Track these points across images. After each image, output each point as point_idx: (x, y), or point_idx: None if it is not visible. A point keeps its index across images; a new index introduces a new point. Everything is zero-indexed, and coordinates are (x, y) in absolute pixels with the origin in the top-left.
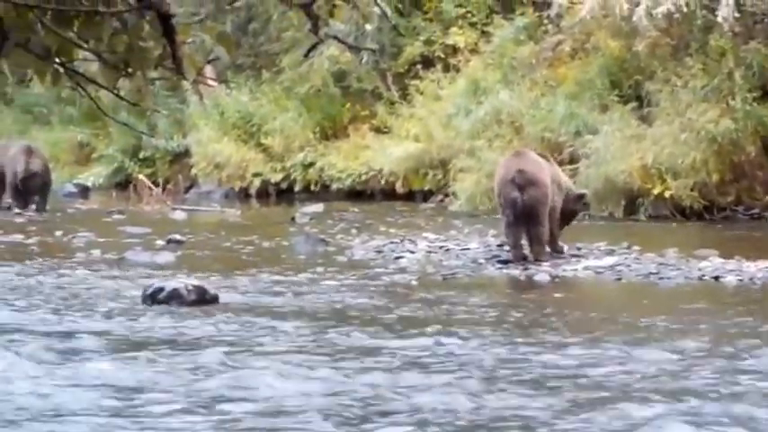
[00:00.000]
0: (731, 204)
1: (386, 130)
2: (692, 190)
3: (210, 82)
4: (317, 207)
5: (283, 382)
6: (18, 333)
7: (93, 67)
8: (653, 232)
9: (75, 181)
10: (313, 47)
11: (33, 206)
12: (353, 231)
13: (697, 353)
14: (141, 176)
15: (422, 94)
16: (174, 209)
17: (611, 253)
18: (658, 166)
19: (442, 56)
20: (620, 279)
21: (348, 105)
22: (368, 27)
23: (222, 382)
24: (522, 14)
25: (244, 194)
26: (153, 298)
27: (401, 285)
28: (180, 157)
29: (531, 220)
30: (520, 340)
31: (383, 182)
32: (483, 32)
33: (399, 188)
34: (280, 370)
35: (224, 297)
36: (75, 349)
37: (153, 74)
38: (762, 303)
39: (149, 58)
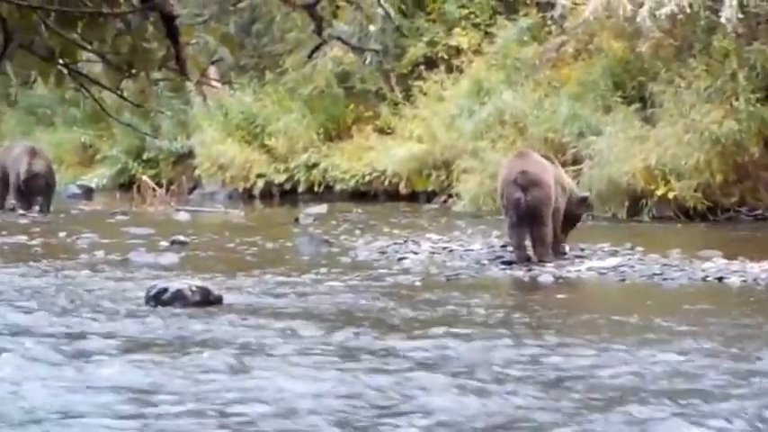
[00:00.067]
0: (735, 205)
1: (389, 130)
2: (695, 191)
3: (214, 83)
4: (321, 208)
5: (293, 383)
6: (23, 335)
7: (97, 69)
8: (656, 233)
9: (78, 182)
10: (317, 48)
11: (37, 207)
12: (357, 232)
13: (704, 354)
14: (145, 177)
15: (425, 94)
16: (178, 210)
17: (614, 254)
18: (662, 167)
19: (446, 57)
20: (623, 280)
21: (351, 106)
22: (371, 28)
23: (232, 384)
24: (526, 15)
25: (247, 195)
26: (157, 299)
27: (405, 286)
28: (183, 158)
29: (534, 221)
30: (526, 342)
31: (387, 183)
32: (486, 33)
33: (403, 189)
34: (289, 372)
35: (228, 298)
36: (82, 351)
37: (157, 75)
38: (766, 304)
39: (153, 60)
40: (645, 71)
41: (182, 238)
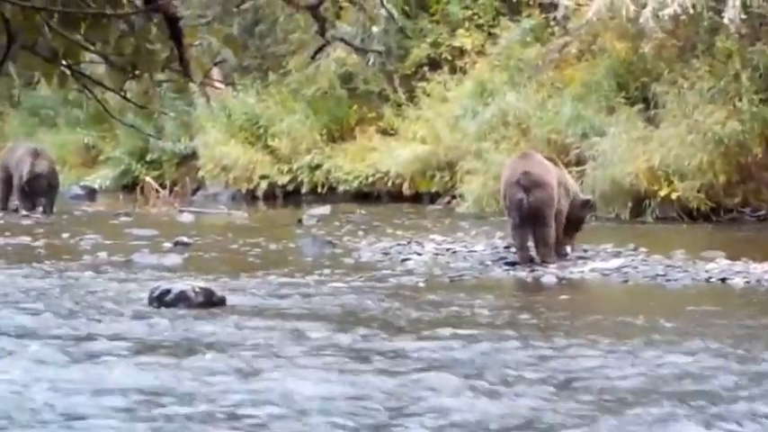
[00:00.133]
0: (738, 206)
1: (392, 132)
2: (698, 192)
3: (217, 84)
4: (324, 209)
5: (303, 385)
6: (28, 337)
7: (100, 70)
8: (660, 234)
9: (81, 183)
10: (320, 49)
11: (40, 208)
12: (360, 233)
13: (711, 355)
14: (148, 179)
15: (428, 95)
16: (181, 211)
17: (617, 255)
18: (665, 167)
19: (449, 58)
20: (626, 281)
21: (355, 107)
22: (374, 29)
23: (241, 385)
24: (529, 16)
25: (251, 196)
26: (160, 300)
27: (408, 287)
28: (187, 159)
29: (537, 222)
30: (533, 343)
31: (390, 184)
32: (489, 34)
33: (406, 190)
34: (297, 373)
35: (231, 299)
36: (88, 353)
37: (160, 76)
38: None
39: (156, 61)
40: (648, 72)
41: (185, 239)
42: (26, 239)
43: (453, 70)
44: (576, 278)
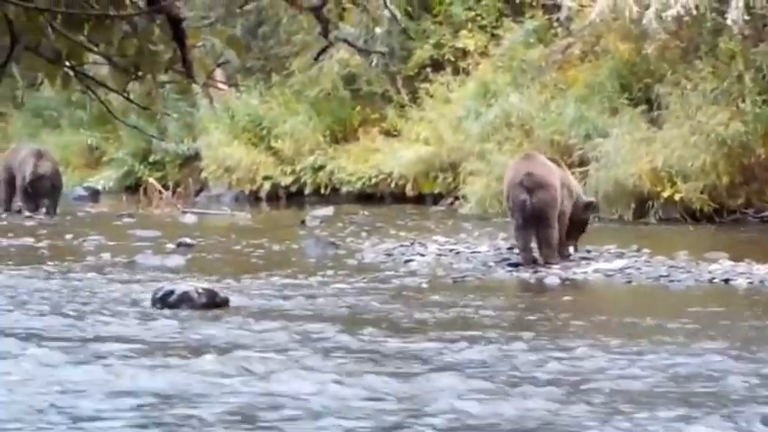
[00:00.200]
0: (741, 207)
1: (396, 133)
2: (701, 193)
3: (221, 85)
4: (327, 210)
5: (313, 386)
6: (33, 338)
7: (104, 71)
8: (663, 235)
9: (85, 184)
10: (323, 50)
11: (43, 209)
12: (363, 234)
13: (719, 356)
14: (151, 180)
15: (432, 97)
16: (184, 212)
17: (621, 256)
18: (668, 168)
19: (452, 59)
20: (630, 282)
21: (358, 108)
22: (377, 30)
23: (252, 387)
24: (532, 17)
25: (254, 198)
26: (163, 301)
27: (412, 288)
28: (190, 160)
29: (540, 223)
30: (540, 344)
31: (393, 185)
32: (493, 35)
33: (409, 191)
34: (307, 375)
35: (234, 300)
36: (94, 354)
37: (163, 77)
38: None
39: (159, 62)
40: (651, 73)
41: (188, 240)
42: (29, 240)
43: (456, 71)
44: (580, 279)
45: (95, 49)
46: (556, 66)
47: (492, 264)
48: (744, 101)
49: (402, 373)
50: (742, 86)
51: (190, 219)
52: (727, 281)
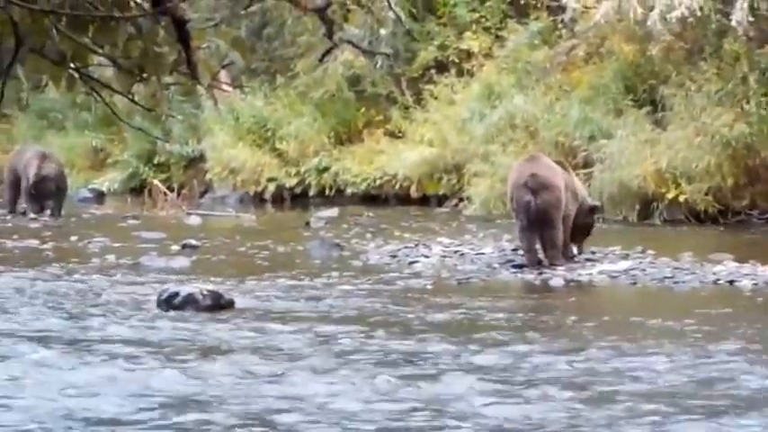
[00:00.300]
0: (746, 208)
1: (400, 134)
2: (706, 194)
3: (225, 87)
4: (332, 212)
5: (328, 388)
6: (40, 340)
7: (108, 73)
8: (667, 236)
9: (90, 186)
10: (327, 51)
11: (48, 211)
12: (368, 236)
13: (732, 358)
14: (156, 181)
15: (436, 98)
16: (189, 214)
17: (625, 257)
18: (673, 170)
19: (457, 60)
20: (635, 283)
21: (362, 110)
22: (382, 32)
23: (267, 390)
24: (537, 19)
25: (258, 199)
26: (168, 303)
27: (416, 290)
28: (195, 162)
29: (544, 225)
30: (550, 345)
31: (398, 186)
32: (497, 37)
33: (414, 193)
34: (320, 377)
35: (240, 302)
36: (104, 356)
37: (168, 79)
38: None
39: (164, 64)
40: (656, 74)
41: (193, 241)
42: (34, 242)
43: (461, 73)
44: (584, 280)
45: (100, 50)
46: (560, 67)
47: (496, 265)
48: (748, 102)
49: (416, 375)
50: (746, 88)
51: (194, 220)
52: (731, 282)
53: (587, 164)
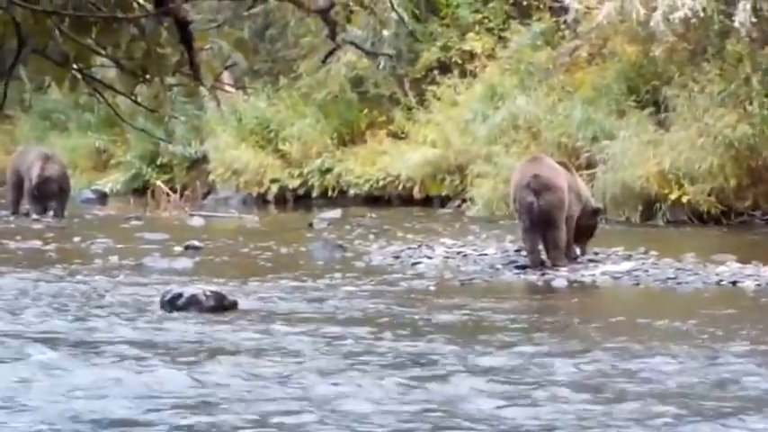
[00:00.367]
0: (748, 209)
1: (403, 135)
2: (709, 195)
3: (228, 88)
4: (335, 213)
5: (335, 390)
6: (45, 342)
7: (111, 74)
8: (670, 237)
9: (92, 187)
10: (330, 53)
11: (51, 212)
12: (371, 237)
13: (739, 359)
14: (159, 183)
15: (439, 99)
16: (192, 215)
17: (628, 258)
18: (675, 171)
19: (459, 61)
20: (638, 284)
21: (365, 111)
22: (385, 33)
23: (274, 392)
24: (539, 20)
25: (261, 200)
26: (171, 304)
27: (420, 291)
28: (197, 163)
29: (547, 225)
30: (556, 347)
31: (400, 187)
32: (500, 38)
33: (417, 194)
34: (327, 379)
35: (243, 303)
36: (110, 358)
37: (171, 80)
38: None
39: (167, 65)
40: (658, 75)
41: (196, 243)
42: (37, 243)
43: (463, 74)
44: (587, 281)
45: (103, 51)
46: (563, 68)
47: (499, 266)
48: (751, 103)
49: (424, 376)
50: (749, 89)
51: (197, 221)
52: (734, 283)
53: (590, 165)
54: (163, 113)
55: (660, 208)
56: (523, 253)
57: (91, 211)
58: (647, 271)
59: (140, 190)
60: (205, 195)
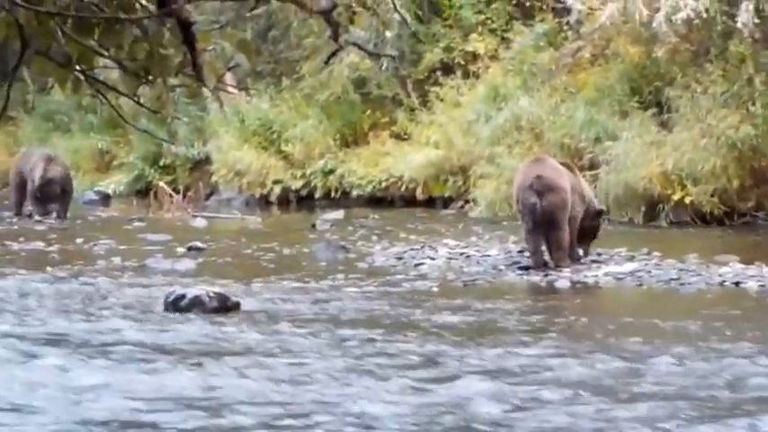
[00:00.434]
0: (751, 210)
1: (406, 136)
2: (712, 196)
3: (231, 89)
4: (338, 214)
5: (344, 391)
6: (48, 343)
7: (114, 75)
8: (673, 238)
9: (95, 188)
10: (333, 54)
11: (54, 214)
12: (374, 238)
13: (744, 360)
14: (162, 184)
15: (442, 100)
16: (195, 216)
17: (631, 259)
18: (678, 172)
19: (462, 62)
20: (641, 285)
21: (368, 112)
22: (388, 34)
23: (282, 394)
24: (542, 21)
25: (264, 201)
26: (175, 305)
27: (423, 292)
28: (200, 164)
29: (550, 226)
30: (563, 349)
31: (403, 188)
32: (503, 39)
33: (420, 195)
34: (334, 381)
35: (246, 304)
36: (116, 360)
37: (173, 81)
38: None
39: (170, 66)
40: (661, 76)
41: (199, 244)
42: (40, 245)
43: (466, 75)
44: (590, 282)
45: (106, 53)
46: (566, 69)
47: (502, 267)
48: (754, 104)
49: (432, 378)
50: (752, 89)
51: (200, 223)
52: (737, 284)
53: (593, 166)
54: (166, 115)
55: (663, 209)
56: (526, 254)
57: (94, 212)
58: (649, 272)
59: (143, 191)
60: (208, 196)
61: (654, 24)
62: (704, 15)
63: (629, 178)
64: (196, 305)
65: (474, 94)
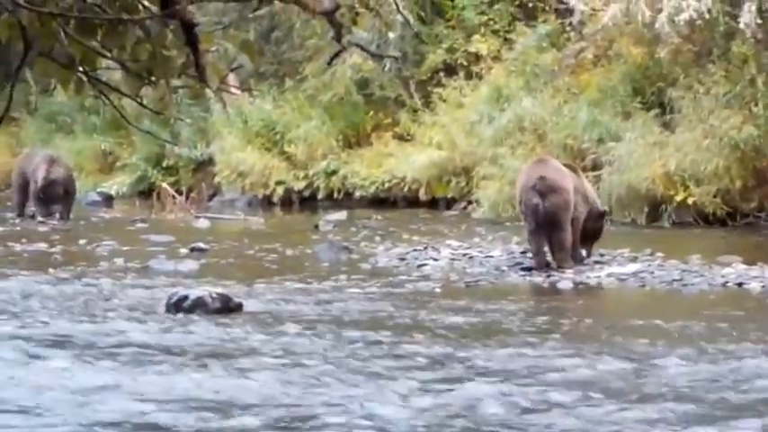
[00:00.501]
0: (754, 211)
1: (409, 137)
2: (714, 196)
3: (234, 90)
4: (341, 215)
5: (350, 391)
6: (51, 345)
7: (117, 76)
8: (676, 239)
9: (98, 189)
10: (336, 55)
11: (57, 215)
12: (377, 239)
13: (748, 361)
14: (164, 185)
15: (444, 101)
16: (198, 217)
17: (634, 260)
18: (681, 172)
19: (465, 63)
20: (643, 286)
21: (371, 113)
22: (390, 35)
23: (289, 396)
24: (545, 22)
25: (267, 202)
26: (177, 306)
27: (425, 293)
28: (203, 165)
29: (553, 227)
30: (569, 349)
31: (406, 189)
32: (505, 40)
33: (422, 195)
34: (340, 383)
35: (248, 305)
36: (121, 361)
37: (176, 82)
38: None
39: (173, 67)
40: (664, 77)
41: (201, 245)
42: (43, 246)
43: (469, 76)
44: (593, 283)
45: (108, 54)
46: (569, 70)
47: (505, 268)
48: (756, 104)
49: (439, 379)
50: (755, 90)
51: (203, 223)
52: (740, 284)
53: (596, 166)
54: (168, 116)
55: (666, 209)
56: (529, 255)
57: (96, 213)
58: (652, 273)
59: (146, 192)
60: (211, 197)
61: (656, 25)
62: (707, 16)
63: (632, 179)
64: (199, 306)
65: (477, 94)
